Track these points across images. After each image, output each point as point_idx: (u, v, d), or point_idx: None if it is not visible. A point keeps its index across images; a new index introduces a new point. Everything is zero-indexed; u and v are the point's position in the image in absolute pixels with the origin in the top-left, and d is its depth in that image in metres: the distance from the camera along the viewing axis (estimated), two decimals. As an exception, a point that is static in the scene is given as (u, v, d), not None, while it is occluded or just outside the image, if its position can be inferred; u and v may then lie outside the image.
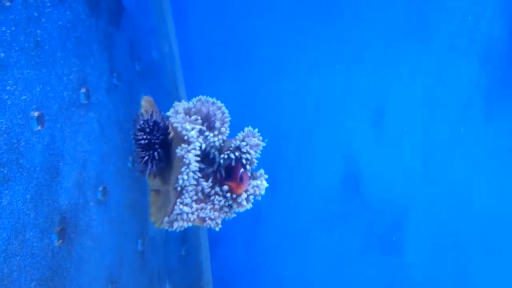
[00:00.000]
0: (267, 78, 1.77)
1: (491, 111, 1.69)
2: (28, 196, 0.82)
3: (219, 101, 1.14)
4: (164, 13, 1.62)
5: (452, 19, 1.67)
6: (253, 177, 1.14)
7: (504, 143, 1.69)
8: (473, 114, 1.71)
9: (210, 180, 1.14)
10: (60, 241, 0.90)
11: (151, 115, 1.17)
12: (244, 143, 1.11)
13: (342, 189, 1.80)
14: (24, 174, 0.81)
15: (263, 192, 1.14)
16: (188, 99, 1.20)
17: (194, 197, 1.11)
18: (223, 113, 1.12)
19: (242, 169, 1.10)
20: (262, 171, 1.14)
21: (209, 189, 1.14)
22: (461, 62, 1.69)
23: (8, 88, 0.79)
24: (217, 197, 1.14)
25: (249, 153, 1.11)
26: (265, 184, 1.13)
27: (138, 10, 1.38)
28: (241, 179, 1.10)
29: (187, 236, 1.62)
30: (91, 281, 1.01)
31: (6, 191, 0.77)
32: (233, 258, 1.87)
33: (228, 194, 1.13)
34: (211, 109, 1.13)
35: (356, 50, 1.73)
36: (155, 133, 1.16)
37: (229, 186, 1.12)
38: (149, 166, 1.16)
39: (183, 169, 1.07)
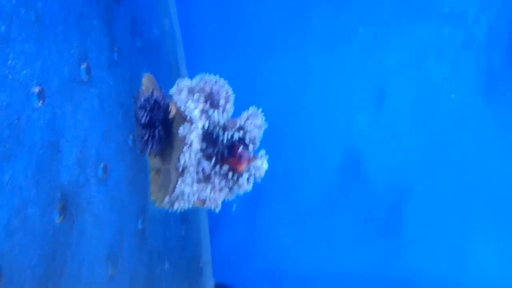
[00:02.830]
0: (268, 56, 1.75)
1: (492, 93, 1.69)
2: (29, 173, 0.81)
3: (222, 79, 1.12)
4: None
5: (456, 1, 1.65)
6: (254, 158, 1.13)
7: (505, 126, 1.69)
8: (474, 96, 1.70)
9: (211, 160, 1.13)
10: (61, 217, 0.90)
11: (152, 93, 1.15)
12: (249, 122, 1.09)
13: (342, 171, 1.80)
14: (25, 151, 0.80)
15: (263, 174, 1.13)
16: (189, 76, 1.19)
17: (195, 178, 1.10)
18: (227, 91, 1.11)
19: (241, 147, 1.09)
20: (262, 152, 1.13)
21: (210, 170, 1.13)
22: (464, 44, 1.68)
23: (9, 62, 0.77)
24: (217, 178, 1.13)
25: (253, 133, 1.10)
26: (265, 165, 1.12)
27: (139, -15, 1.36)
28: (240, 157, 1.09)
29: (187, 216, 1.62)
30: (92, 258, 1.01)
31: (8, 167, 0.76)
32: (233, 239, 1.88)
33: (230, 174, 1.12)
34: (214, 87, 1.11)
35: (359, 31, 1.71)
36: (155, 111, 1.15)
37: (229, 164, 1.11)
38: (150, 145, 1.15)
39: (185, 149, 1.06)
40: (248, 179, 1.13)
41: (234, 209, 1.60)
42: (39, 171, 0.83)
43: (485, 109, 1.70)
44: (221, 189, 1.15)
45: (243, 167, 1.10)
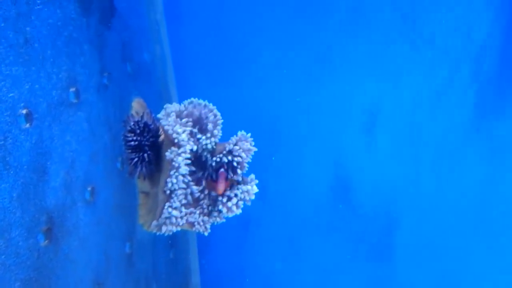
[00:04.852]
0: (259, 82, 1.77)
1: (482, 119, 1.70)
2: (14, 195, 0.80)
3: (211, 104, 1.13)
4: (156, 14, 1.61)
5: (445, 26, 1.68)
6: (243, 182, 1.13)
7: (495, 150, 1.70)
8: (464, 122, 1.72)
9: (200, 184, 1.13)
10: (47, 241, 0.89)
11: (142, 117, 1.16)
12: (237, 147, 1.10)
13: (332, 196, 1.79)
14: (11, 172, 0.80)
15: (253, 197, 1.13)
16: (180, 101, 1.20)
17: (184, 201, 1.10)
18: (215, 115, 1.11)
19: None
20: (252, 176, 1.13)
21: (198, 193, 1.13)
22: (453, 70, 1.71)
23: (-4, 84, 0.77)
24: (206, 201, 1.13)
25: (241, 157, 1.10)
26: (255, 189, 1.13)
27: (130, 10, 1.38)
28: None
29: (176, 239, 1.60)
30: (77, 282, 0.99)
31: (-8, 189, 0.76)
32: (222, 263, 1.86)
33: (220, 198, 1.12)
34: (203, 111, 1.12)
35: (349, 57, 1.74)
36: (145, 134, 1.15)
37: (212, 188, 1.12)
38: (139, 168, 1.15)
39: (172, 172, 1.07)
40: (237, 203, 1.13)
41: None
42: (24, 193, 0.83)
43: (475, 137, 1.71)
44: (210, 213, 1.15)
45: (221, 190, 1.10)
